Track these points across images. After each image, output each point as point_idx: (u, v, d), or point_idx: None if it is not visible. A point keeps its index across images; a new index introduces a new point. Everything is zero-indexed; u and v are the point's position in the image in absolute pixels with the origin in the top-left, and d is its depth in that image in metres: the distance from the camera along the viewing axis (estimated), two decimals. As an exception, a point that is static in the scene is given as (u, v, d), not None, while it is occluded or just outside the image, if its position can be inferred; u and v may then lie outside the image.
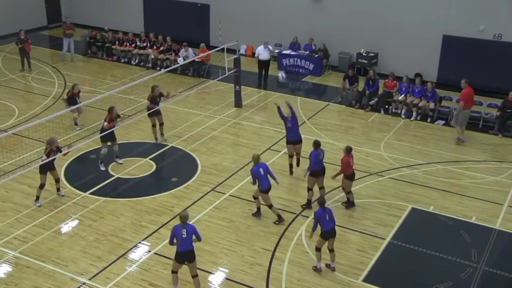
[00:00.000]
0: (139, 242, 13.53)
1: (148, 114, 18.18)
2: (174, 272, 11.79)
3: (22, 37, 25.36)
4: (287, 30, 26.23)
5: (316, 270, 12.54)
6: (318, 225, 12.21)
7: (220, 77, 21.46)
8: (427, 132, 20.00)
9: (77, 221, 14.37)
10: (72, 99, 19.04)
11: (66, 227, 14.14)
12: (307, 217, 14.47)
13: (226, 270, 12.60)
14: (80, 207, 14.94)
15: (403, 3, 24.09)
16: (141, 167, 17.00)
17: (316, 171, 14.72)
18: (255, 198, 14.50)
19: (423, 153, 18.29)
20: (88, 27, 29.50)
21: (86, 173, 16.56)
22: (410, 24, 24.02)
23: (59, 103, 21.34)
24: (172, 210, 14.84)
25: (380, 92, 22.02)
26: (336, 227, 12.92)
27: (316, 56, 25.45)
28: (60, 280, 12.18)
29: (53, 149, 14.68)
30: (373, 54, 24.87)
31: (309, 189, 14.93)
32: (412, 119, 20.92)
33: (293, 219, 14.48)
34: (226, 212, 14.78)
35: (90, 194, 15.54)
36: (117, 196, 15.46)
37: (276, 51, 26.15)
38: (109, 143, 16.85)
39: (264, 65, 24.42)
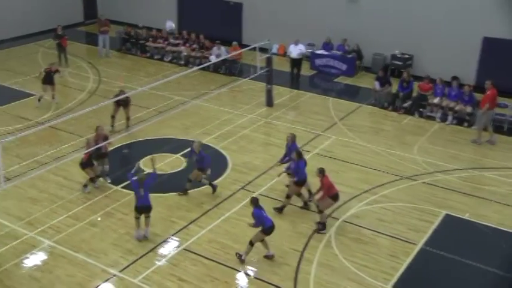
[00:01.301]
0: (169, 237, 13.70)
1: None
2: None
3: (59, 33, 25.79)
4: (321, 30, 26.20)
5: (240, 259, 12.83)
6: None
7: (252, 76, 21.56)
8: (462, 137, 19.62)
9: (108, 214, 14.60)
10: (48, 75, 20.56)
11: (99, 220, 14.38)
12: (338, 219, 14.48)
13: (255, 269, 12.68)
14: (112, 200, 15.18)
15: (441, 3, 23.81)
16: (171, 163, 17.18)
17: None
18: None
19: (458, 158, 18.02)
20: (123, 24, 29.86)
21: (118, 167, 16.78)
22: (448, 25, 23.68)
23: (94, 98, 21.64)
24: (202, 206, 14.98)
25: (414, 94, 21.86)
26: (367, 231, 12.94)
27: (350, 56, 25.39)
28: (92, 271, 12.42)
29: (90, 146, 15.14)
30: (408, 56, 24.70)
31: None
32: (447, 122, 20.62)
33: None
34: (255, 210, 14.86)
35: (122, 188, 15.75)
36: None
37: (309, 50, 26.16)
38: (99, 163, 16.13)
39: (295, 63, 24.46)
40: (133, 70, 25.98)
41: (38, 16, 30.10)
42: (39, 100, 21.05)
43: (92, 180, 15.53)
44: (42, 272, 12.37)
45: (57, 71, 21.39)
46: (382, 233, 14.04)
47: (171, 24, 14.18)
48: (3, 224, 14.00)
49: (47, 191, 15.56)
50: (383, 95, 22.08)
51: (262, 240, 12.84)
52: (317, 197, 14.17)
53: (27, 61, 26.53)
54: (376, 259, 13.05)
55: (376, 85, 22.24)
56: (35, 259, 12.81)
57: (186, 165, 16.11)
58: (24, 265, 12.60)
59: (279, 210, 14.78)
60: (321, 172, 13.94)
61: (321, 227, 14.00)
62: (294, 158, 14.87)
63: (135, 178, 13.59)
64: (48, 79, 20.92)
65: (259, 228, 12.67)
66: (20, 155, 17.09)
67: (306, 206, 15.06)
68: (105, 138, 15.97)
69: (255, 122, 20.33)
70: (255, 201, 12.77)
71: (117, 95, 18.36)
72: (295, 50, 24.22)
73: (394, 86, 22.25)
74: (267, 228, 12.63)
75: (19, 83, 23.67)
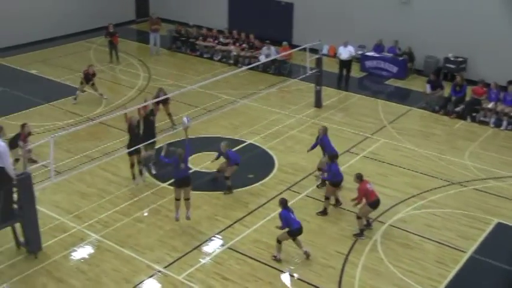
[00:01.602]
0: (214, 236, 13.73)
1: None
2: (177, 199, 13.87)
3: (111, 30, 26.19)
4: (372, 32, 25.91)
5: (276, 259, 12.80)
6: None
7: (301, 76, 21.47)
8: (518, 143, 19.13)
9: (155, 211, 14.73)
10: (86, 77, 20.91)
11: (145, 216, 14.52)
12: (384, 223, 14.29)
13: (299, 270, 12.60)
14: (159, 197, 15.31)
15: (496, 5, 23.19)
16: (218, 162, 17.18)
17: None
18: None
19: (512, 165, 17.59)
20: (174, 23, 30.13)
21: (165, 164, 16.86)
22: (503, 27, 23.01)
23: (143, 95, 21.87)
24: (248, 206, 14.97)
25: (467, 98, 21.38)
26: (414, 236, 12.72)
27: (401, 58, 25.03)
28: (137, 266, 12.55)
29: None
30: (461, 59, 24.18)
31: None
32: (502, 128, 20.08)
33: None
34: (301, 212, 14.70)
35: (169, 185, 15.85)
36: (194, 189, 15.65)
37: (359, 52, 25.92)
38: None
39: (345, 65, 24.24)
40: (183, 68, 26.18)
41: (91, 14, 30.61)
42: (75, 99, 21.35)
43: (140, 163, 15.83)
44: (89, 265, 12.57)
45: (94, 74, 21.52)
46: (430, 239, 13.76)
47: (188, 119, 15.22)
48: (53, 216, 14.28)
49: (95, 185, 15.79)
50: (434, 98, 21.69)
51: (294, 240, 12.80)
52: (353, 203, 14.03)
53: (79, 58, 27.00)
54: (423, 265, 12.80)
55: (428, 88, 21.87)
56: (82, 252, 13.02)
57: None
58: (72, 257, 12.83)
59: (322, 213, 14.67)
60: (358, 178, 13.76)
61: (359, 233, 13.79)
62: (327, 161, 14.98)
63: (171, 158, 14.02)
64: (87, 80, 21.25)
65: (286, 230, 12.62)
66: (71, 150, 17.41)
67: (338, 204, 15.06)
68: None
69: (303, 123, 20.23)
70: (283, 203, 12.72)
71: (156, 95, 18.38)
72: (345, 52, 24.01)
73: (447, 90, 21.82)
74: (294, 230, 12.59)
75: (71, 79, 24.09)
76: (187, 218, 14.06)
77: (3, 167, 11.90)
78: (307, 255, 12.89)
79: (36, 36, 28.63)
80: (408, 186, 16.03)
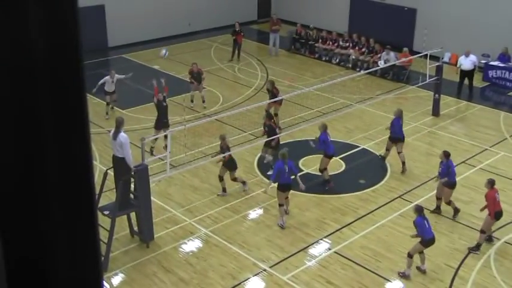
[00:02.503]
0: (321, 239, 13.72)
1: None
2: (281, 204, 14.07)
3: (236, 29, 26.75)
4: (497, 40, 24.84)
5: (404, 276, 12.27)
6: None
7: (420, 84, 20.98)
8: None
9: (264, 210, 14.92)
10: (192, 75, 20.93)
11: (254, 214, 14.76)
12: (499, 239, 13.70)
13: (405, 281, 12.35)
14: (269, 197, 15.45)
15: None
16: (331, 165, 17.12)
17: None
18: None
19: None
20: (294, 24, 30.30)
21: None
22: None
23: (260, 95, 22.18)
24: (357, 211, 14.84)
25: None
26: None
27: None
28: (243, 263, 12.77)
29: (222, 146, 15.42)
30: None
31: None
32: None
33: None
34: (411, 221, 14.33)
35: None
36: (304, 191, 15.74)
37: (482, 61, 24.96)
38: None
39: (467, 75, 23.36)
40: (301, 70, 26.30)
41: (214, 13, 31.45)
42: (191, 101, 21.40)
43: (243, 183, 15.78)
44: (197, 259, 12.93)
45: (199, 72, 21.31)
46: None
47: (164, 53, 16.02)
48: (166, 208, 14.81)
49: (208, 181, 16.20)
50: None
51: (421, 252, 12.42)
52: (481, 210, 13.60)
53: (200, 55, 27.78)
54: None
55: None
56: (191, 245, 13.43)
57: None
58: (181, 250, 13.26)
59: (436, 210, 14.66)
60: (490, 183, 13.31)
61: (475, 247, 13.26)
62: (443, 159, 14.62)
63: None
64: (195, 78, 21.36)
65: (419, 239, 12.25)
66: (187, 145, 17.94)
67: (438, 211, 14.77)
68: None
69: (419, 131, 19.77)
70: (419, 210, 12.36)
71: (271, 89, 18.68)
72: (466, 62, 23.15)
73: None
74: (427, 240, 12.19)
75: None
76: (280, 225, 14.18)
77: (123, 158, 12.50)
78: (422, 271, 12.50)
79: (161, 33, 29.74)
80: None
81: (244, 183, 15.72)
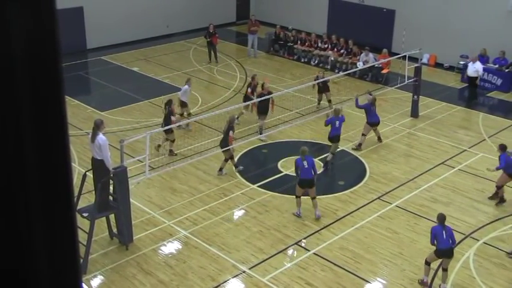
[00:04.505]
0: (300, 240, 13.70)
1: None
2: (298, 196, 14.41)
3: (211, 31, 26.68)
4: (476, 41, 25.01)
5: (422, 283, 12.11)
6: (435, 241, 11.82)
7: (398, 85, 21.07)
8: None
9: (243, 211, 14.88)
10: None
11: (233, 216, 14.70)
12: (478, 240, 13.78)
13: (384, 282, 12.38)
14: (248, 198, 15.44)
15: None
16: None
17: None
18: None
19: None
20: (273, 26, 30.30)
21: (257, 166, 17.04)
22: None
23: (238, 96, 22.15)
24: (336, 213, 14.85)
25: None
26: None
27: (507, 70, 24.04)
28: (222, 265, 12.70)
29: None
30: None
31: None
32: None
33: (461, 240, 13.80)
34: (390, 222, 14.52)
35: (258, 186, 15.98)
36: (283, 192, 15.76)
37: (461, 62, 25.19)
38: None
39: (470, 81, 23.58)
40: (280, 72, 26.30)
41: (193, 15, 31.35)
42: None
43: (226, 160, 16.26)
44: (177, 261, 12.84)
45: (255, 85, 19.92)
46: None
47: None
48: (145, 210, 14.69)
49: (187, 183, 16.11)
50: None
51: (444, 270, 12.01)
52: None
53: (179, 57, 27.70)
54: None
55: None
56: (170, 247, 13.33)
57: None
58: (161, 252, 13.16)
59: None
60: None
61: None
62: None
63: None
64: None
65: (434, 248, 11.94)
66: (166, 147, 17.86)
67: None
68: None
69: (398, 132, 19.86)
70: (441, 218, 11.88)
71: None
72: (471, 69, 23.33)
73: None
74: (438, 251, 11.80)
75: (170, 77, 24.77)
76: (317, 216, 14.47)
77: (102, 160, 12.39)
78: (423, 284, 12.26)
79: (140, 35, 29.60)
80: (507, 204, 15.39)
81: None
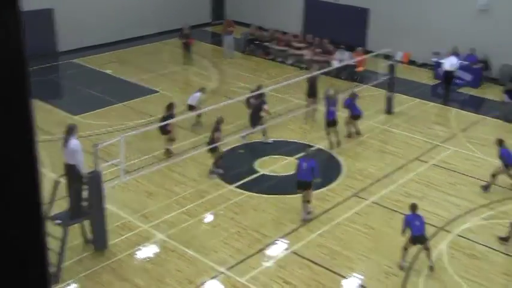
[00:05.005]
0: (278, 239, 13.74)
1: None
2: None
3: (185, 32, 26.63)
4: (447, 39, 25.25)
5: (401, 267, 12.57)
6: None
7: (373, 83, 21.20)
8: None
9: (220, 213, 14.87)
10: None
11: (210, 217, 14.69)
12: (450, 232, 13.96)
13: (362, 277, 12.50)
14: (225, 199, 15.45)
15: None
16: (286, 166, 17.24)
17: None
18: None
19: None
20: (249, 26, 30.30)
21: (233, 167, 17.03)
22: None
23: (215, 97, 22.06)
24: (313, 210, 14.89)
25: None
26: (481, 247, 12.48)
27: (476, 67, 24.36)
28: (200, 267, 12.69)
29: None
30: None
31: None
32: None
33: (434, 233, 13.97)
34: (367, 218, 14.63)
35: (235, 187, 16.00)
36: (260, 192, 15.80)
37: (433, 59, 25.44)
38: None
39: (446, 75, 23.78)
40: (256, 71, 26.33)
41: (167, 16, 31.19)
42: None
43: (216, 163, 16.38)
44: (154, 265, 12.78)
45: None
46: (498, 251, 13.41)
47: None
48: (120, 215, 14.58)
49: (163, 186, 16.07)
50: (511, 108, 21.03)
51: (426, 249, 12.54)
52: None
53: (154, 58, 27.61)
54: (489, 277, 12.50)
55: (506, 98, 21.26)
56: (147, 251, 13.27)
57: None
58: (137, 256, 13.08)
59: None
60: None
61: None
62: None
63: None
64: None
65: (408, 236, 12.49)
66: (141, 150, 17.77)
67: None
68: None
69: (372, 129, 20.00)
70: (413, 208, 12.65)
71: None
72: (447, 62, 23.52)
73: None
74: (412, 238, 12.37)
75: (144, 79, 24.66)
76: (303, 218, 14.47)
77: (75, 165, 12.29)
78: (430, 268, 12.58)
79: (113, 37, 29.38)
80: (477, 196, 15.65)
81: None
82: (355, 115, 19.12)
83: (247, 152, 18.28)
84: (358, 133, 19.25)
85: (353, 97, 19.28)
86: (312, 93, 20.47)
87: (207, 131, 17.48)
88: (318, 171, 14.35)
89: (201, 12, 33.52)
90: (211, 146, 16.16)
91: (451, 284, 12.23)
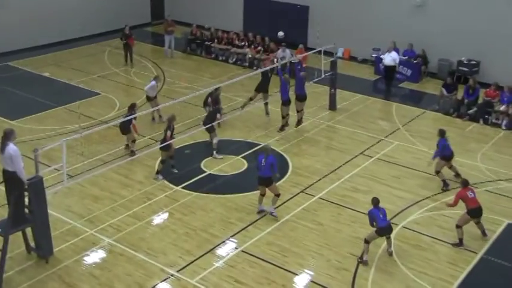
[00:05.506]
0: (227, 239, 13.68)
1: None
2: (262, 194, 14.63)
3: (126, 32, 26.26)
4: (386, 35, 25.67)
5: (362, 261, 12.76)
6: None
7: (316, 79, 21.35)
8: (530, 146, 18.94)
9: (168, 214, 14.71)
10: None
11: (158, 219, 14.51)
12: (397, 225, 14.18)
13: (312, 273, 12.54)
14: (172, 200, 15.28)
15: (510, 9, 23.08)
16: (233, 165, 17.20)
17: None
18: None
19: (524, 167, 17.40)
20: (190, 25, 30.12)
21: (179, 168, 16.84)
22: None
23: (157, 98, 21.82)
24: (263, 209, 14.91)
25: (480, 101, 21.25)
26: (427, 237, 12.75)
27: (415, 62, 24.88)
28: (150, 270, 12.51)
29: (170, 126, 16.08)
30: (474, 62, 24.04)
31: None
32: (513, 130, 20.01)
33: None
34: (315, 214, 14.72)
35: (182, 188, 15.86)
36: (208, 192, 15.70)
37: (374, 55, 25.87)
38: None
39: (386, 70, 24.21)
40: (198, 71, 26.18)
41: (106, 17, 30.71)
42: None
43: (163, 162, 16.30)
44: (102, 270, 12.52)
45: None
46: (442, 240, 13.72)
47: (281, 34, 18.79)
48: (65, 221, 14.22)
49: (108, 189, 15.78)
50: (450, 101, 21.55)
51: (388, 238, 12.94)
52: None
53: (94, 60, 27.12)
54: (435, 266, 12.78)
55: (444, 91, 21.78)
56: (94, 257, 12.98)
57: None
58: (84, 262, 12.78)
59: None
60: (463, 183, 13.76)
61: (458, 243, 13.58)
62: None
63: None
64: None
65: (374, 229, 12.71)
66: (84, 153, 17.39)
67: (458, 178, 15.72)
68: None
69: (317, 126, 20.15)
70: (375, 202, 12.83)
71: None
72: (387, 58, 23.92)
73: (460, 93, 21.78)
74: (379, 229, 12.61)
75: (85, 82, 24.19)
76: (270, 212, 14.60)
77: (14, 171, 11.88)
78: (389, 252, 13.03)
79: (50, 39, 28.68)
80: (421, 188, 15.98)
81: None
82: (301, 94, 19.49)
83: (193, 151, 18.13)
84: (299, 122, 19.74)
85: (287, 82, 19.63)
86: (263, 88, 20.42)
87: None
88: (276, 166, 14.42)
89: (141, 12, 33.16)
90: (163, 145, 15.93)
91: (400, 275, 12.44)
